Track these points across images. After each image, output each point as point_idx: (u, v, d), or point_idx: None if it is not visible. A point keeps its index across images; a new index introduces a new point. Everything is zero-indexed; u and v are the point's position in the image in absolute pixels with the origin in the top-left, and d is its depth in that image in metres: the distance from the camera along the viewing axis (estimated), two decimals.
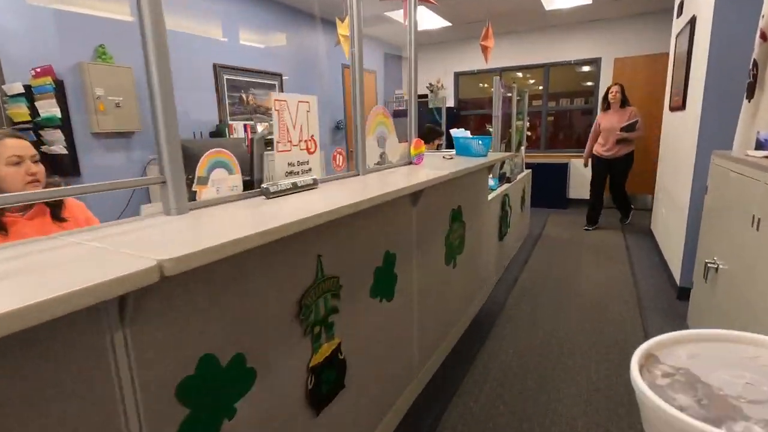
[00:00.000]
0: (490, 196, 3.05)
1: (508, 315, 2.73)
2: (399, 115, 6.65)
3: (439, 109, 5.50)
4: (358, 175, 1.62)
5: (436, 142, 4.06)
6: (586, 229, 4.81)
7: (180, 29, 3.62)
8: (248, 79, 4.27)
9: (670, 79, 3.91)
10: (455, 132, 2.54)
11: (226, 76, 4.00)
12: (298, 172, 1.30)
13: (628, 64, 5.69)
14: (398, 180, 1.55)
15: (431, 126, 4.09)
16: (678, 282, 2.93)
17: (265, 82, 4.49)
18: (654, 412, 0.55)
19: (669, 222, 3.48)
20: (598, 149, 4.64)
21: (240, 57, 4.17)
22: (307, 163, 1.34)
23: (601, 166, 4.68)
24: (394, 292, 1.60)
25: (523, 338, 2.44)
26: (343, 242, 1.27)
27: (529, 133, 6.72)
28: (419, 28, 6.47)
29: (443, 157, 2.30)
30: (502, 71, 6.73)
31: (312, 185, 1.29)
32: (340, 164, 1.54)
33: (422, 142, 2.03)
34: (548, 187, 6.12)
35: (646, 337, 2.53)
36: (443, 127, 5.02)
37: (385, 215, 1.51)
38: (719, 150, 2.34)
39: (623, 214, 5.03)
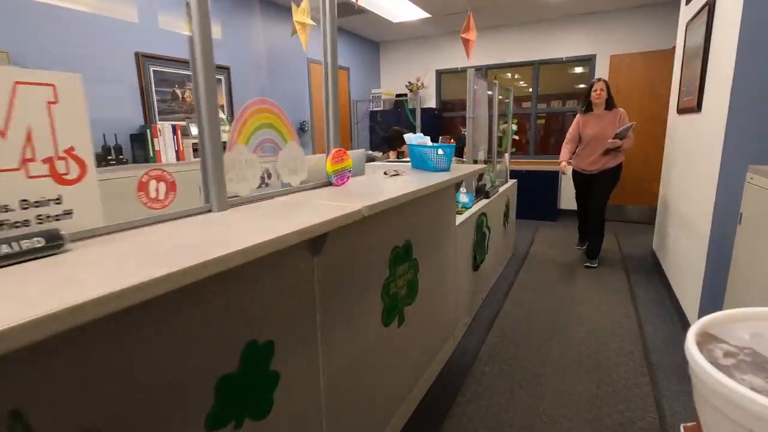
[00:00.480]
0: (461, 218, 2.44)
1: (479, 377, 2.10)
2: (374, 117, 6.00)
3: (413, 110, 4.89)
4: (211, 211, 1.00)
5: (405, 147, 3.45)
6: (578, 248, 4.17)
7: (93, 11, 2.97)
8: (185, 72, 3.62)
9: (678, 77, 3.33)
10: (410, 137, 1.93)
11: (152, 68, 3.35)
12: (22, 222, 0.67)
13: (626, 62, 5.12)
14: (271, 222, 0.92)
15: (398, 129, 3.48)
16: (690, 321, 2.33)
17: None
18: (722, 395, 0.49)
19: (680, 249, 2.89)
20: (580, 163, 3.68)
21: (172, 46, 3.52)
22: (59, 199, 0.71)
23: (582, 182, 3.77)
24: (269, 406, 0.98)
25: (495, 416, 1.82)
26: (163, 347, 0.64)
27: (516, 138, 6.15)
28: (395, 20, 5.88)
29: (385, 173, 1.68)
30: (487, 69, 6.14)
31: (50, 248, 0.65)
32: (158, 197, 0.90)
33: (345, 153, 1.41)
34: (537, 196, 5.53)
35: (660, 412, 1.73)
36: (418, 131, 4.41)
37: (252, 283, 0.89)
38: (757, 165, 1.75)
39: (590, 246, 3.71)
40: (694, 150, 2.72)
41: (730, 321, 0.64)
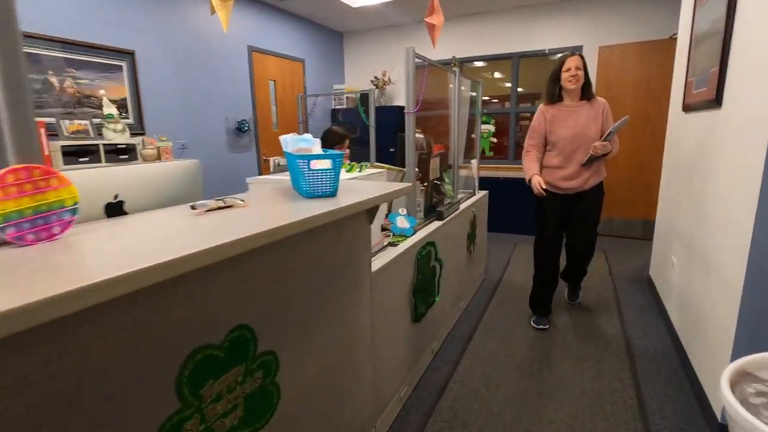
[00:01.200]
0: (393, 252, 1.72)
1: None
2: (336, 116, 5.20)
3: (365, 109, 4.19)
4: None
5: (346, 152, 2.73)
6: (535, 327, 2.59)
7: None
8: (66, 56, 2.85)
9: (684, 67, 2.66)
10: (286, 141, 1.20)
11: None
12: None
13: (616, 54, 4.46)
14: None
15: (335, 129, 2.76)
16: (719, 416, 1.64)
17: (102, 61, 3.07)
18: (745, 429, 0.54)
19: (693, 291, 2.20)
20: (551, 177, 2.47)
21: (49, 20, 2.76)
22: None
23: (555, 207, 2.50)
24: None
25: None
26: None
27: (495, 140, 5.47)
28: (354, 5, 5.15)
29: (193, 207, 0.94)
30: (462, 63, 5.45)
31: None
32: None
33: (54, 177, 0.68)
34: (516, 207, 4.85)
35: None
36: (372, 133, 3.69)
37: None
38: None
39: (571, 289, 2.93)
40: (711, 158, 2.04)
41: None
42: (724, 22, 1.88)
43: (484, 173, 5.14)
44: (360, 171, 1.71)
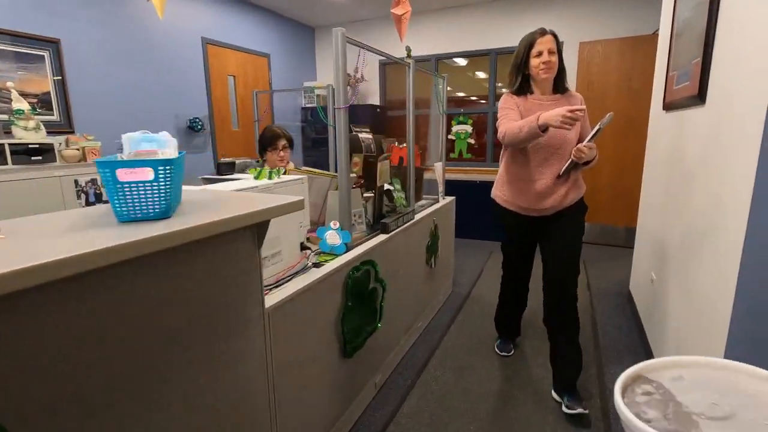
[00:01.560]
0: (317, 274, 1.41)
1: None
2: (306, 115, 4.83)
3: (324, 109, 3.89)
4: None
5: (281, 155, 2.41)
6: (501, 353, 2.27)
7: None
8: None
9: (665, 61, 2.39)
10: (128, 138, 0.88)
11: None
12: None
13: (598, 51, 4.19)
14: None
15: (270, 127, 2.43)
16: None
17: (18, 50, 2.73)
18: (625, 424, 0.65)
19: (673, 315, 1.91)
20: (519, 196, 1.91)
21: None
22: None
23: (523, 234, 2.00)
24: None
25: None
26: None
27: (472, 141, 5.19)
28: None
29: None
30: (437, 59, 5.16)
31: None
32: None
33: None
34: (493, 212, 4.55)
35: None
36: (331, 133, 3.37)
37: None
38: None
39: (565, 373, 1.85)
40: (694, 163, 1.76)
41: (662, 367, 0.76)
42: (707, 3, 1.60)
43: (461, 176, 4.86)
44: (270, 178, 1.40)
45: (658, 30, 3.49)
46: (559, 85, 1.88)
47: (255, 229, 1.09)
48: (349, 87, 5.42)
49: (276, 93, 5.01)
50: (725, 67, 1.46)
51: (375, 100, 5.57)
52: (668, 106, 2.25)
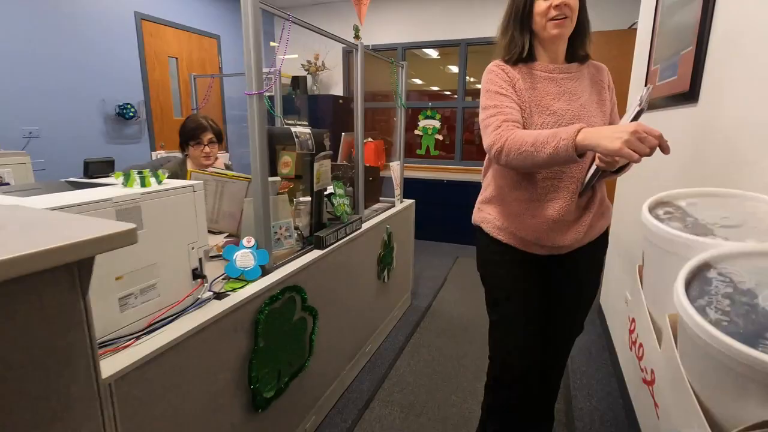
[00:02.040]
0: (213, 310, 1.06)
1: None
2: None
3: (271, 99, 3.49)
4: None
5: (206, 150, 2.03)
6: None
7: None
8: None
9: (646, 55, 2.13)
10: None
11: None
12: None
13: None
14: None
15: (196, 118, 2.04)
16: None
17: None
18: (649, 230, 0.74)
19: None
20: (522, 226, 1.22)
21: None
22: None
23: (526, 281, 1.26)
24: None
25: None
26: None
27: (440, 138, 4.89)
28: None
29: None
30: (405, 49, 4.83)
31: None
32: None
33: None
34: (461, 213, 4.27)
35: None
36: (280, 123, 3.00)
37: None
38: None
39: (546, 407, 1.55)
40: (681, 171, 1.49)
41: (679, 197, 0.84)
42: (696, 23, 1.33)
43: (428, 174, 4.57)
44: (145, 185, 1.03)
45: (634, 24, 3.27)
46: (577, 50, 1.22)
47: (75, 268, 0.73)
48: (309, 75, 5.02)
49: (227, 79, 4.56)
50: (727, 55, 1.18)
51: (338, 90, 5.19)
52: (649, 106, 1.99)
